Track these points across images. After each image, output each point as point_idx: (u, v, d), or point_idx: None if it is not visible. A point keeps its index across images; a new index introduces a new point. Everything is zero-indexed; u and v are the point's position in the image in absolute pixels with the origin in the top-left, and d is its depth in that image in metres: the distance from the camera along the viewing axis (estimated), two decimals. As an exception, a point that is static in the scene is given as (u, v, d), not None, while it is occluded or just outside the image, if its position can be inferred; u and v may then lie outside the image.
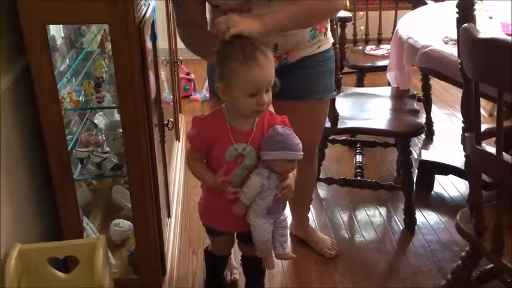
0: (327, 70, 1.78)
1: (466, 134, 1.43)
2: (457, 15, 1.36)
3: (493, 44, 1.18)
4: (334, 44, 1.83)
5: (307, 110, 1.78)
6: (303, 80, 1.73)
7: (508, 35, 2.03)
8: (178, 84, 3.01)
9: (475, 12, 1.35)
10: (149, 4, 1.73)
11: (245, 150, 1.43)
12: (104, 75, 1.73)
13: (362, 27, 3.15)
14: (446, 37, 2.03)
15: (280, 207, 1.50)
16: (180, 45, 3.00)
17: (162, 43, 2.50)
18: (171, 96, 2.76)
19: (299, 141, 1.43)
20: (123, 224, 1.91)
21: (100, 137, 1.81)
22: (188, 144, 1.53)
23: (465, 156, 1.49)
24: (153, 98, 1.63)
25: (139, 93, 1.48)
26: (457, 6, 1.36)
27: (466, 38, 1.28)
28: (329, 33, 1.77)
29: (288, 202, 2.10)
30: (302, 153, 1.43)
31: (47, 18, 1.39)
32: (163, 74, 2.48)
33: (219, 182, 1.42)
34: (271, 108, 1.49)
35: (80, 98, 1.64)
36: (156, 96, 1.80)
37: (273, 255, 1.56)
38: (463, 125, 1.47)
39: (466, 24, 1.30)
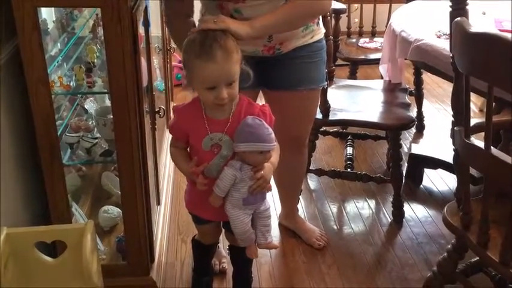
0: (320, 60, 1.78)
1: (455, 128, 1.44)
2: (450, 9, 1.36)
3: (484, 38, 1.18)
4: (327, 35, 1.84)
5: (300, 100, 1.78)
6: (296, 70, 1.73)
7: (500, 31, 2.04)
8: (170, 72, 3.00)
9: (467, 7, 1.35)
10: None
11: (221, 140, 1.42)
12: (95, 60, 1.72)
13: (356, 20, 3.15)
14: (439, 31, 2.03)
15: (258, 197, 1.49)
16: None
17: (155, 30, 2.49)
18: (163, 84, 2.75)
19: (270, 132, 1.41)
20: (112, 211, 1.91)
21: (90, 123, 1.81)
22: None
23: (454, 150, 1.50)
24: (144, 86, 1.62)
25: (130, 79, 1.47)
26: (451, 0, 1.37)
27: (458, 31, 1.28)
28: (321, 24, 1.78)
29: (277, 192, 2.14)
30: (274, 144, 1.42)
31: (38, 0, 1.37)
32: (155, 61, 2.47)
33: (190, 171, 1.43)
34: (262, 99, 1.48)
35: (71, 83, 1.63)
36: (148, 84, 1.79)
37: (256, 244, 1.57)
38: (453, 119, 1.48)
39: (458, 18, 1.30)
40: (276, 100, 1.53)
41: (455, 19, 1.31)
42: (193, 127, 1.43)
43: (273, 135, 1.42)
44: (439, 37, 2.00)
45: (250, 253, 1.57)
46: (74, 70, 1.62)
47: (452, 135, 1.48)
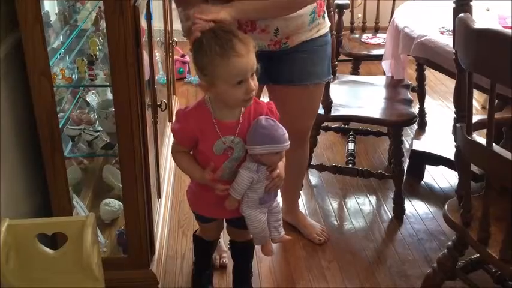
0: (325, 54, 1.78)
1: (457, 125, 1.44)
2: (454, 5, 1.35)
3: (488, 34, 1.18)
4: (330, 29, 1.83)
5: (304, 94, 1.78)
6: (302, 64, 1.73)
7: (504, 27, 2.04)
8: (172, 66, 3.00)
9: (471, 3, 1.34)
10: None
11: (233, 142, 1.40)
12: (97, 53, 1.72)
13: (359, 15, 3.14)
14: (442, 27, 2.03)
15: (272, 195, 1.50)
16: (176, 26, 2.98)
17: (157, 24, 2.48)
18: (165, 78, 2.74)
19: (284, 131, 1.40)
20: (113, 204, 1.91)
21: (92, 116, 1.81)
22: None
23: (455, 147, 1.50)
24: (147, 79, 1.62)
25: (132, 73, 1.47)
26: (454, -4, 1.36)
27: (462, 27, 1.28)
28: (326, 17, 1.78)
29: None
30: (288, 143, 1.41)
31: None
32: (157, 55, 2.46)
33: (208, 179, 1.40)
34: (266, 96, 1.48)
35: (73, 76, 1.63)
36: (150, 77, 1.79)
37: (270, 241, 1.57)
38: (455, 115, 1.47)
39: (462, 14, 1.29)
40: (280, 94, 1.53)
41: (459, 15, 1.31)
42: (202, 132, 1.40)
43: (286, 134, 1.41)
44: (442, 33, 2.00)
45: (267, 251, 1.57)
46: (76, 63, 1.62)
47: (454, 132, 1.47)
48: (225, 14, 1.40)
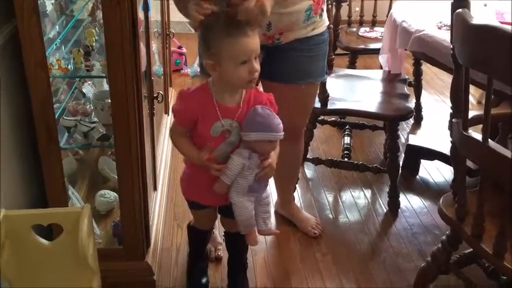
0: (321, 53, 1.77)
1: (453, 120, 1.44)
2: (452, 0, 1.35)
3: (485, 30, 1.18)
4: (328, 25, 1.82)
5: (297, 93, 1.77)
6: (295, 63, 1.72)
7: (502, 23, 2.04)
8: (169, 57, 2.98)
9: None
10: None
11: (231, 126, 1.43)
12: (94, 43, 1.71)
13: (357, 9, 3.13)
14: (440, 22, 2.03)
15: (262, 185, 1.51)
16: (173, 17, 2.96)
17: (155, 15, 2.47)
18: (162, 70, 2.73)
19: (279, 121, 1.43)
20: (108, 195, 1.91)
21: (88, 107, 1.80)
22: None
23: (451, 142, 1.50)
24: (143, 70, 1.61)
25: (129, 64, 1.46)
26: (453, -10, 1.36)
27: (460, 23, 1.28)
28: (325, 14, 1.76)
29: (273, 180, 2.14)
30: (282, 133, 1.43)
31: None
32: (154, 46, 2.45)
33: (204, 159, 1.43)
34: (261, 88, 1.49)
35: (69, 66, 1.62)
36: (147, 68, 1.78)
37: (256, 231, 1.57)
38: (451, 111, 1.48)
39: (460, 9, 1.29)
40: (273, 91, 1.53)
41: (457, 10, 1.31)
42: (203, 113, 1.43)
43: (281, 124, 1.43)
44: (439, 28, 2.00)
45: (251, 240, 1.58)
46: (73, 53, 1.61)
47: (450, 127, 1.48)
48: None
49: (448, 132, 1.49)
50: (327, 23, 1.78)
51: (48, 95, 1.47)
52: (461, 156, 1.44)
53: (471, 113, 1.44)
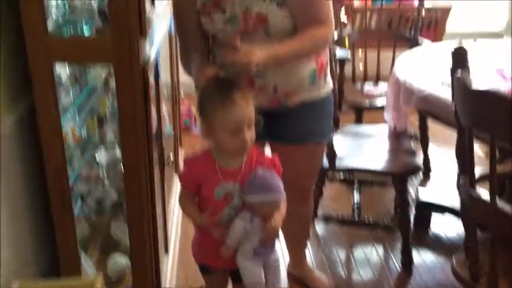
0: (326, 114, 1.81)
1: (460, 179, 1.46)
2: (452, 63, 1.40)
3: (486, 96, 1.21)
4: (333, 85, 1.87)
5: (305, 153, 1.80)
6: (302, 124, 1.75)
7: (503, 78, 2.08)
8: (179, 119, 3.05)
9: (468, 57, 1.38)
10: (153, 42, 1.77)
11: (234, 189, 1.45)
12: (107, 112, 1.76)
13: (361, 67, 3.21)
14: (441, 81, 2.07)
15: (268, 248, 1.51)
16: (183, 79, 3.04)
17: (165, 76, 2.55)
18: (172, 130, 2.79)
19: (280, 182, 1.45)
20: (120, 261, 1.91)
21: (101, 173, 1.84)
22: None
23: (460, 201, 1.51)
24: (154, 133, 1.66)
25: (141, 132, 1.51)
26: (452, 54, 1.41)
27: (460, 88, 1.32)
28: (329, 77, 1.80)
29: (284, 241, 2.13)
30: (283, 194, 1.45)
31: (55, 56, 1.43)
32: (164, 107, 2.52)
33: (206, 222, 1.45)
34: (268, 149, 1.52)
35: (83, 134, 1.67)
36: (157, 132, 1.82)
37: None
38: (458, 169, 1.50)
39: (459, 74, 1.34)
40: (281, 152, 1.57)
41: (457, 75, 1.35)
42: (205, 177, 1.46)
43: (282, 186, 1.45)
44: (442, 85, 2.04)
45: None
46: (86, 122, 1.67)
47: (458, 186, 1.49)
48: (261, 55, 1.47)
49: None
50: (331, 85, 1.83)
51: (63, 163, 1.51)
52: (470, 217, 1.44)
53: (478, 169, 1.46)
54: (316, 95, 1.74)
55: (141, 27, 1.48)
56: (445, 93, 1.96)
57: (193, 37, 1.68)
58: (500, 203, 1.28)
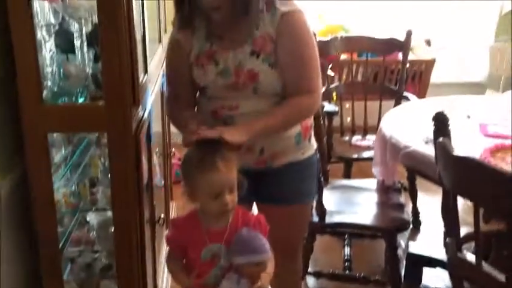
0: (311, 175, 1.84)
1: (447, 239, 1.48)
2: (433, 129, 1.45)
3: (467, 163, 1.25)
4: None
5: (292, 214, 1.82)
6: (288, 185, 1.78)
7: (485, 135, 2.14)
8: (170, 172, 3.07)
9: (449, 126, 1.44)
10: (146, 107, 1.82)
11: (220, 250, 1.47)
12: (99, 175, 1.79)
13: (349, 119, 3.27)
14: (426, 137, 2.12)
15: None
16: (174, 129, 3.05)
17: (156, 129, 2.57)
18: (163, 182, 2.80)
19: (265, 242, 1.46)
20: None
21: (91, 235, 1.84)
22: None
23: (447, 259, 1.53)
24: (145, 184, 1.67)
25: (132, 197, 1.53)
26: (433, 119, 1.46)
27: (442, 153, 1.36)
28: (313, 139, 1.85)
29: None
30: (269, 254, 1.46)
31: (50, 125, 1.46)
32: (156, 159, 2.53)
33: (193, 284, 1.46)
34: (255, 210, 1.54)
35: (74, 200, 1.69)
36: (149, 189, 1.83)
37: None
38: (444, 230, 1.52)
39: (441, 139, 1.38)
40: (267, 213, 1.59)
41: (439, 140, 1.40)
42: (191, 239, 1.48)
43: (267, 245, 1.46)
44: (426, 143, 2.09)
45: None
46: (79, 187, 1.69)
47: (445, 246, 1.51)
48: (239, 137, 1.51)
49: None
50: (315, 146, 1.86)
51: (55, 231, 1.52)
52: (457, 277, 1.46)
53: (464, 230, 1.48)
54: (301, 156, 1.77)
55: (134, 96, 1.53)
56: (430, 150, 2.01)
57: (183, 91, 1.73)
58: (486, 266, 1.31)
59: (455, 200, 1.40)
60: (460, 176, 1.31)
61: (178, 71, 1.72)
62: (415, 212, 3.04)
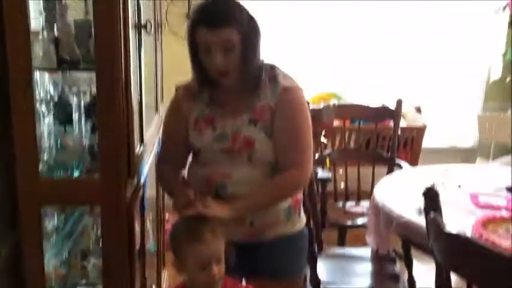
0: (301, 248, 1.84)
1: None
2: (424, 204, 1.47)
3: (457, 240, 1.26)
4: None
5: (283, 287, 1.79)
6: (279, 258, 1.77)
7: (476, 205, 2.15)
8: (163, 238, 3.04)
9: (439, 201, 1.45)
10: (141, 177, 1.83)
11: None
12: (90, 246, 1.78)
13: (342, 185, 3.29)
14: (419, 208, 2.13)
15: None
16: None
17: (151, 191, 2.55)
18: (156, 248, 2.77)
19: None
20: None
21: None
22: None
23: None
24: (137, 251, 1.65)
25: (123, 268, 1.52)
26: (423, 195, 1.48)
27: (433, 228, 1.38)
28: (302, 213, 1.85)
29: None
30: None
31: (45, 200, 1.47)
32: (149, 225, 2.51)
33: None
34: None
35: (65, 272, 1.67)
36: (141, 254, 1.80)
37: None
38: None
39: (432, 215, 1.40)
40: (258, 286, 1.58)
41: (430, 215, 1.41)
42: None
43: None
44: (420, 214, 2.10)
45: None
46: (70, 260, 1.67)
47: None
48: (225, 213, 1.53)
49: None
50: (305, 220, 1.86)
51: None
52: None
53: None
54: (291, 230, 1.77)
55: (129, 168, 1.55)
56: (424, 221, 2.01)
57: (175, 154, 1.75)
58: None
59: (449, 274, 1.40)
60: (452, 252, 1.31)
61: (174, 133, 1.76)
62: (411, 282, 2.98)
